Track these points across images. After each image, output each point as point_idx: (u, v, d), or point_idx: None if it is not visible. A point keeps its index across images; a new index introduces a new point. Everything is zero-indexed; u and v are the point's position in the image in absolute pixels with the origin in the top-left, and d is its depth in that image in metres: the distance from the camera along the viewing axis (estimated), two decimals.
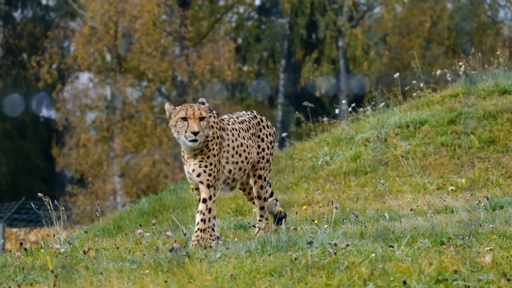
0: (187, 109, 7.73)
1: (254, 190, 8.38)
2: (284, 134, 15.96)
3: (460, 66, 15.40)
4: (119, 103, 35.68)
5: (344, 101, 18.58)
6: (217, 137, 7.85)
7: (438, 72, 15.73)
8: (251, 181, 8.38)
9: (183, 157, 7.97)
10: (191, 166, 7.85)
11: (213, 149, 7.82)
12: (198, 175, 7.81)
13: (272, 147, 8.48)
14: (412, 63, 16.32)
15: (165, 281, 6.28)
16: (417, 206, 9.69)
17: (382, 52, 37.02)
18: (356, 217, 8.97)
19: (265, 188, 8.37)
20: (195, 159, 7.84)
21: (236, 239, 8.13)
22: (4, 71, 38.39)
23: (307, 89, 36.34)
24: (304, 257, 6.57)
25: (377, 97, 15.54)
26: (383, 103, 15.29)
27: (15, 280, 6.84)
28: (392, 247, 6.78)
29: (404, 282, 5.91)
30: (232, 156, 8.04)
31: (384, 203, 10.84)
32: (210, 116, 7.86)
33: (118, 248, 8.09)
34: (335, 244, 6.82)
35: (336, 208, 8.48)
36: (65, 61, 36.80)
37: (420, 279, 6.04)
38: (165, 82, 35.94)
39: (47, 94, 36.84)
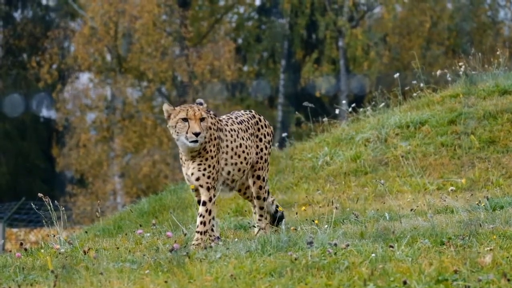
0: (187, 109, 7.70)
1: (253, 190, 8.37)
2: (284, 134, 15.96)
3: (460, 66, 15.40)
4: (119, 103, 35.68)
5: (344, 101, 18.58)
6: (215, 138, 7.82)
7: (438, 72, 15.74)
8: (250, 182, 8.36)
9: (181, 158, 7.94)
10: (189, 170, 7.81)
11: (211, 151, 7.79)
12: (197, 179, 7.78)
13: (270, 147, 8.47)
14: (412, 63, 16.32)
15: (165, 281, 6.28)
16: (417, 206, 9.69)
17: (382, 52, 37.02)
18: (356, 217, 8.96)
19: (264, 188, 8.36)
20: (193, 162, 7.80)
21: (236, 239, 8.13)
22: (4, 71, 38.40)
23: (307, 89, 36.35)
24: (304, 257, 6.57)
25: (377, 97, 15.54)
26: (383, 103, 15.29)
27: (15, 280, 6.84)
28: (392, 247, 6.78)
29: (404, 282, 5.91)
30: (231, 157, 8.01)
31: (384, 203, 10.84)
32: (208, 117, 7.84)
33: (118, 248, 8.09)
34: (335, 244, 6.82)
35: (336, 208, 8.48)
36: (65, 61, 36.81)
37: (420, 279, 6.04)
38: (165, 82, 35.95)
39: (47, 94, 36.85)
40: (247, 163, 8.12)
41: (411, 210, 9.32)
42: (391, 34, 37.21)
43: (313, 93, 35.74)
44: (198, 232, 7.75)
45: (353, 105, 15.64)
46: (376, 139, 13.92)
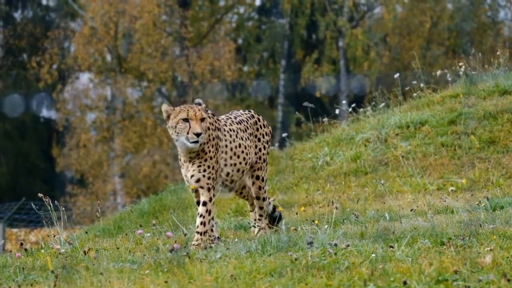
0: (188, 110, 7.67)
1: (252, 191, 8.35)
2: (284, 135, 15.96)
3: (460, 67, 15.40)
4: (119, 103, 35.68)
5: (344, 102, 18.58)
6: (213, 139, 7.80)
7: (438, 72, 15.73)
8: (249, 182, 8.35)
9: (180, 160, 7.91)
10: (189, 172, 7.78)
11: (210, 151, 7.77)
12: (198, 180, 7.76)
13: (269, 147, 8.46)
14: (412, 64, 16.32)
15: (166, 282, 6.28)
16: (417, 207, 9.69)
17: (382, 53, 37.02)
18: (357, 217, 8.96)
19: (263, 188, 8.35)
20: (193, 164, 7.76)
21: (236, 240, 8.13)
22: (4, 72, 38.40)
23: (307, 89, 36.35)
24: (304, 257, 6.57)
25: (377, 98, 15.54)
26: (383, 104, 15.29)
27: (16, 280, 6.84)
28: (392, 247, 6.78)
29: (405, 283, 5.91)
30: (230, 157, 7.99)
31: (384, 203, 10.84)
32: (207, 117, 7.82)
33: (118, 248, 8.09)
34: (336, 245, 6.82)
35: (337, 208, 8.48)
36: (66, 61, 36.81)
37: (420, 280, 6.04)
38: (165, 82, 35.95)
39: (48, 95, 36.85)
40: (246, 164, 8.11)
41: (411, 210, 9.32)
42: (391, 34, 37.22)
43: (313, 93, 35.74)
44: (198, 232, 7.74)
45: (353, 105, 15.64)
46: (376, 139, 13.92)
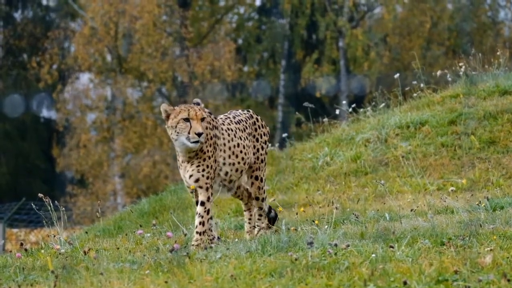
0: (189, 110, 7.65)
1: (251, 191, 8.35)
2: (284, 135, 15.97)
3: (461, 67, 15.40)
4: (119, 103, 35.69)
5: (344, 102, 18.59)
6: (211, 138, 7.78)
7: (439, 72, 15.73)
8: (248, 183, 8.35)
9: (178, 160, 7.90)
10: (188, 172, 7.76)
11: (208, 151, 7.76)
12: (197, 180, 7.74)
13: (267, 147, 8.45)
14: (412, 64, 16.32)
15: (166, 282, 6.28)
16: (417, 207, 9.68)
17: (383, 53, 37.03)
18: (357, 217, 8.96)
19: (262, 189, 8.35)
20: (191, 164, 7.74)
21: (236, 240, 8.13)
22: (4, 72, 38.41)
23: (308, 89, 36.36)
24: (304, 257, 6.57)
25: (377, 98, 15.54)
26: (383, 104, 15.29)
27: (16, 280, 6.84)
28: (392, 247, 6.78)
29: (405, 283, 5.91)
30: (229, 156, 7.98)
31: (384, 203, 10.84)
32: (206, 117, 7.82)
33: (118, 248, 8.09)
34: (336, 245, 6.82)
35: (337, 208, 8.47)
36: (66, 61, 36.82)
37: (420, 280, 6.04)
38: (165, 82, 35.96)
39: (48, 95, 36.85)
40: (244, 163, 8.09)
41: (411, 210, 9.31)
42: (391, 35, 37.23)
43: (313, 94, 35.75)
44: (197, 232, 7.74)
45: (353, 105, 15.64)
46: (376, 139, 13.92)
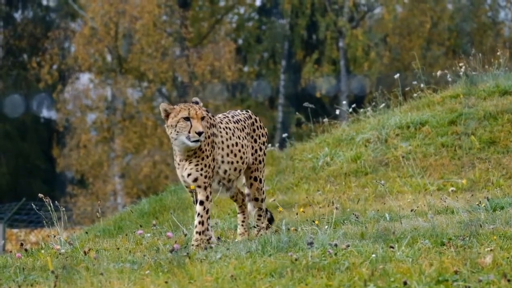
0: (189, 109, 7.63)
1: (250, 192, 8.34)
2: (284, 135, 15.97)
3: (461, 67, 15.40)
4: (119, 103, 35.69)
5: (344, 102, 18.60)
6: (209, 137, 7.77)
7: (439, 72, 15.73)
8: (247, 184, 8.35)
9: (175, 160, 7.88)
10: (186, 170, 7.74)
11: (206, 150, 7.75)
12: (195, 180, 7.73)
13: (265, 148, 8.44)
14: (412, 64, 16.32)
15: (166, 282, 6.28)
16: (417, 207, 9.68)
17: (383, 53, 37.03)
18: (357, 217, 8.96)
19: (261, 190, 8.34)
20: (190, 162, 7.73)
21: (236, 240, 8.13)
22: (4, 72, 38.41)
23: (308, 89, 36.36)
24: (304, 257, 6.57)
25: (377, 98, 15.54)
26: (383, 104, 15.29)
27: (16, 280, 6.84)
28: (392, 247, 6.78)
29: (405, 283, 5.91)
30: (227, 155, 7.97)
31: (384, 203, 10.84)
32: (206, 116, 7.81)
33: (118, 248, 8.10)
34: (336, 245, 6.82)
35: (337, 208, 8.47)
36: (66, 62, 36.82)
37: (420, 280, 6.04)
38: (165, 82, 35.96)
39: (48, 95, 36.86)
40: (243, 163, 8.08)
41: (412, 210, 9.31)
42: (392, 35, 37.23)
43: (314, 94, 35.75)
44: (197, 232, 7.73)
45: (354, 105, 15.63)
46: (376, 139, 13.92)
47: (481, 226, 7.80)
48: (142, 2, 35.19)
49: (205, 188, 7.76)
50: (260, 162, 8.31)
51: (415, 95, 15.43)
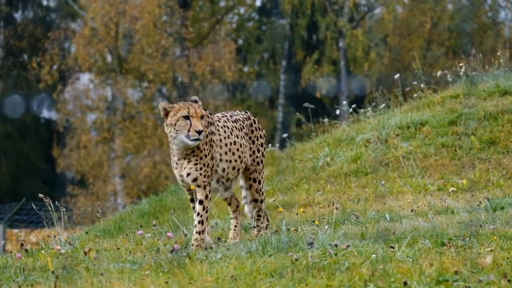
0: (188, 107, 7.63)
1: (250, 194, 8.35)
2: (284, 135, 15.97)
3: (461, 67, 15.40)
4: (119, 104, 35.69)
5: (344, 102, 18.59)
6: (206, 136, 7.77)
7: (439, 73, 15.73)
8: (246, 185, 8.35)
9: (172, 160, 7.84)
10: (185, 170, 7.72)
11: (204, 149, 7.74)
12: (195, 179, 7.72)
13: (264, 149, 8.43)
14: (412, 64, 16.32)
15: (166, 282, 6.28)
16: (417, 207, 9.68)
17: (383, 53, 37.04)
18: (357, 218, 8.96)
19: (260, 191, 8.34)
20: (189, 162, 7.72)
21: (236, 240, 8.13)
22: (5, 72, 38.42)
23: (308, 90, 36.36)
24: (304, 258, 6.57)
25: (377, 98, 15.54)
26: (383, 104, 15.28)
27: (16, 281, 6.85)
28: (392, 248, 6.78)
29: (405, 283, 5.91)
30: (225, 153, 7.96)
31: (384, 204, 10.84)
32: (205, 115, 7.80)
33: (118, 249, 8.10)
34: (336, 245, 6.82)
35: (337, 209, 8.47)
36: (66, 62, 36.82)
37: (420, 280, 6.04)
38: (165, 83, 35.96)
39: (48, 95, 36.87)
40: (241, 162, 8.08)
41: (412, 210, 9.31)
42: (392, 35, 37.23)
43: (314, 94, 35.76)
44: (197, 232, 7.73)
45: (354, 106, 15.63)
46: (376, 139, 13.92)
47: (481, 226, 7.80)
48: (142, 2, 35.20)
49: (205, 188, 7.76)
50: (258, 164, 8.31)
51: (415, 95, 15.43)
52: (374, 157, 13.52)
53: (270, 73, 38.39)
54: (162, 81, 35.82)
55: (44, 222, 8.92)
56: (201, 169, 7.72)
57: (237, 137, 8.07)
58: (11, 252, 8.85)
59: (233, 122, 8.13)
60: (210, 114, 7.94)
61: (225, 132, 7.98)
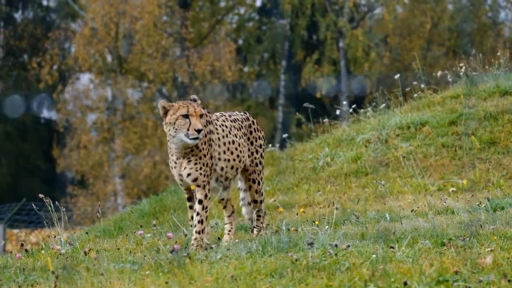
0: (188, 106, 7.62)
1: (249, 195, 8.35)
2: (285, 135, 15.97)
3: (461, 67, 15.40)
4: (120, 104, 35.69)
5: (345, 102, 18.60)
6: (205, 135, 7.77)
7: (439, 73, 15.73)
8: (246, 187, 8.36)
9: (171, 159, 7.83)
10: (185, 170, 7.70)
11: (203, 149, 7.74)
12: (195, 180, 7.72)
13: (262, 151, 8.42)
14: (413, 64, 16.32)
15: (166, 282, 6.28)
16: (418, 207, 9.68)
17: (383, 53, 37.04)
18: (357, 218, 8.96)
19: (259, 192, 8.35)
20: (189, 162, 7.72)
21: (236, 240, 8.13)
22: (5, 72, 38.42)
23: (308, 90, 36.36)
24: (305, 258, 6.57)
25: (378, 98, 15.53)
26: (384, 104, 15.28)
27: (16, 281, 6.84)
28: (393, 248, 6.78)
29: (405, 283, 5.91)
30: (224, 152, 7.96)
31: (385, 204, 10.84)
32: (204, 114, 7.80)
33: (119, 249, 8.10)
34: (336, 245, 6.82)
35: (337, 209, 8.47)
36: (66, 62, 36.82)
37: (421, 280, 6.04)
38: (165, 83, 35.96)
39: (48, 95, 36.87)
40: (240, 161, 8.07)
41: (412, 211, 9.31)
42: (392, 35, 37.23)
43: (314, 94, 35.76)
44: (196, 232, 7.73)
45: (354, 106, 15.63)
46: (376, 140, 13.92)
47: (481, 227, 7.79)
48: (142, 2, 35.20)
49: (204, 187, 7.76)
50: (257, 165, 8.31)
51: (415, 95, 15.43)
52: (374, 157, 13.52)
53: (270, 73, 38.39)
54: (162, 81, 35.82)
55: (44, 222, 8.92)
56: (201, 168, 7.72)
57: (236, 137, 8.07)
58: (11, 252, 8.85)
59: (231, 121, 8.13)
60: (209, 112, 7.95)
61: (223, 131, 7.98)
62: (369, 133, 14.16)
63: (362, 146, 13.99)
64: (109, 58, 36.41)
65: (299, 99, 34.44)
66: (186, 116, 7.59)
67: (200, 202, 7.75)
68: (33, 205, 8.80)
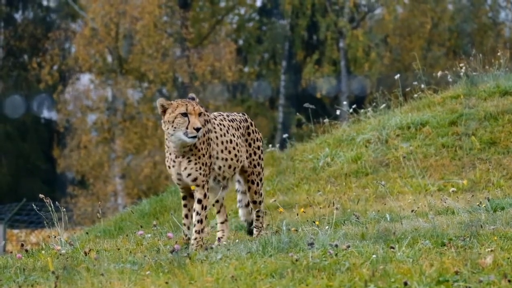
0: (186, 104, 7.59)
1: (248, 196, 8.35)
2: (285, 135, 15.96)
3: (461, 67, 15.40)
4: (120, 104, 35.70)
5: (345, 102, 18.61)
6: (204, 134, 7.76)
7: (439, 73, 15.73)
8: (245, 188, 8.36)
9: (169, 159, 7.82)
10: (186, 170, 7.69)
11: (202, 148, 7.74)
12: (195, 180, 7.71)
13: (260, 152, 8.41)
14: (413, 64, 16.32)
15: (166, 282, 6.28)
16: (418, 207, 9.68)
17: (383, 54, 37.04)
18: (357, 218, 8.96)
19: (258, 192, 8.35)
20: (189, 162, 7.71)
21: (237, 240, 8.13)
22: (5, 73, 38.42)
23: (308, 90, 36.36)
24: (305, 258, 6.57)
25: (378, 98, 15.53)
26: (384, 105, 15.28)
27: (16, 281, 6.84)
28: (393, 248, 6.78)
29: (405, 283, 5.91)
30: (222, 151, 7.95)
31: (385, 204, 10.84)
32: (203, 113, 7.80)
33: (119, 249, 8.09)
34: (336, 245, 6.82)
35: (337, 209, 8.48)
36: (66, 62, 36.83)
37: (421, 280, 6.04)
38: (166, 83, 35.96)
39: (48, 96, 36.87)
40: (237, 160, 8.07)
41: (412, 211, 9.31)
42: (392, 35, 37.24)
43: (314, 94, 35.76)
44: (196, 231, 7.72)
45: (354, 106, 15.63)
46: (377, 140, 13.92)
47: (481, 227, 7.79)
48: (142, 2, 35.20)
49: (203, 187, 7.76)
50: (255, 166, 8.30)
51: (415, 95, 15.43)
52: (375, 157, 13.52)
53: (271, 74, 38.39)
54: (163, 82, 35.82)
55: (45, 222, 8.92)
56: (200, 168, 7.72)
57: (234, 136, 8.07)
58: (11, 252, 8.85)
59: (229, 121, 8.12)
60: (207, 110, 7.94)
61: (221, 130, 7.97)
62: (369, 133, 14.16)
63: (362, 146, 13.99)
64: (109, 59, 36.41)
65: (299, 99, 34.44)
66: (185, 114, 7.58)
67: (200, 201, 7.75)
68: (33, 205, 8.80)
